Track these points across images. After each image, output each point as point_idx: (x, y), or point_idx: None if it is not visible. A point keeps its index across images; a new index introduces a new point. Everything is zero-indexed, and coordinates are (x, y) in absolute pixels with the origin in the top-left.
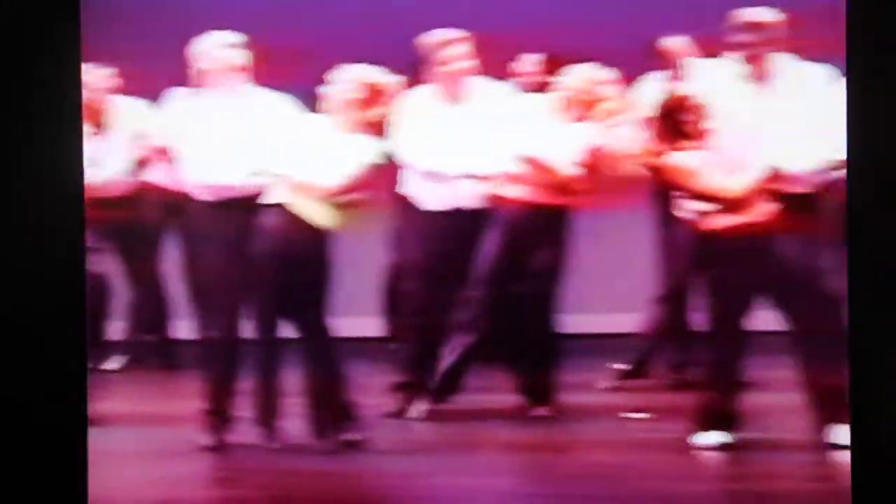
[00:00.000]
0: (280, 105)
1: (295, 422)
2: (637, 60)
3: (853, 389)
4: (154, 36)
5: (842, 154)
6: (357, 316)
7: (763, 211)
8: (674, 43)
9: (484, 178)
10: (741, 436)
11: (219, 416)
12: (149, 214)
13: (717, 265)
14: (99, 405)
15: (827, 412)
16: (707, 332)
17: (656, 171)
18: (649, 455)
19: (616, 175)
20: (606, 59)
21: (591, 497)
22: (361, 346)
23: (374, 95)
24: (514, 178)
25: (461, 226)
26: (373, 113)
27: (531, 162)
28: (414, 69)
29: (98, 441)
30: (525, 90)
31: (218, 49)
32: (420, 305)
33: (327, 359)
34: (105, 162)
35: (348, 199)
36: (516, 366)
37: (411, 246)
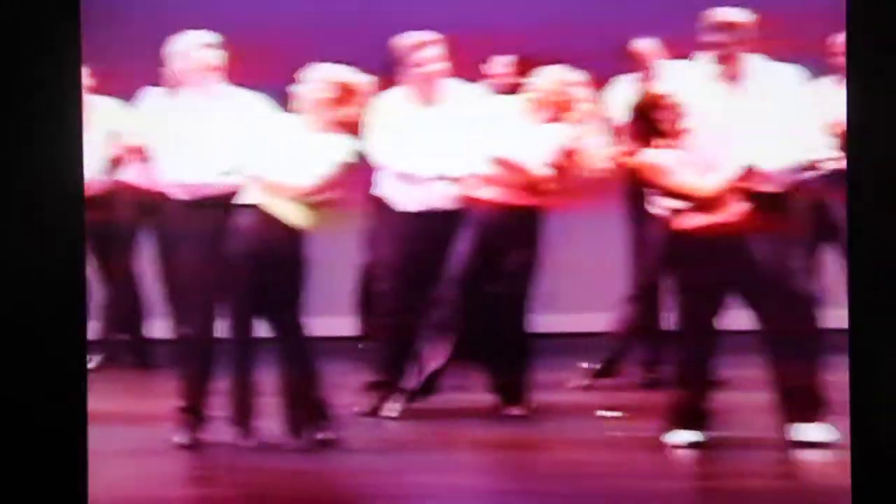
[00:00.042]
0: (254, 105)
1: (270, 420)
2: (608, 62)
3: (853, 389)
4: (130, 36)
5: (813, 154)
6: (331, 315)
7: (734, 211)
8: (645, 45)
9: (457, 180)
10: (712, 434)
11: (194, 415)
12: (123, 214)
13: (688, 264)
14: None
15: (794, 411)
16: (678, 331)
17: (629, 170)
18: (621, 453)
19: (587, 175)
20: (578, 61)
21: (564, 495)
22: (336, 346)
23: (346, 94)
24: (486, 180)
25: (435, 226)
26: (344, 112)
27: (503, 163)
28: (387, 70)
29: None
30: (497, 92)
31: (193, 49)
32: (394, 305)
33: (302, 358)
34: None
35: (321, 198)
36: (489, 365)
37: (385, 246)
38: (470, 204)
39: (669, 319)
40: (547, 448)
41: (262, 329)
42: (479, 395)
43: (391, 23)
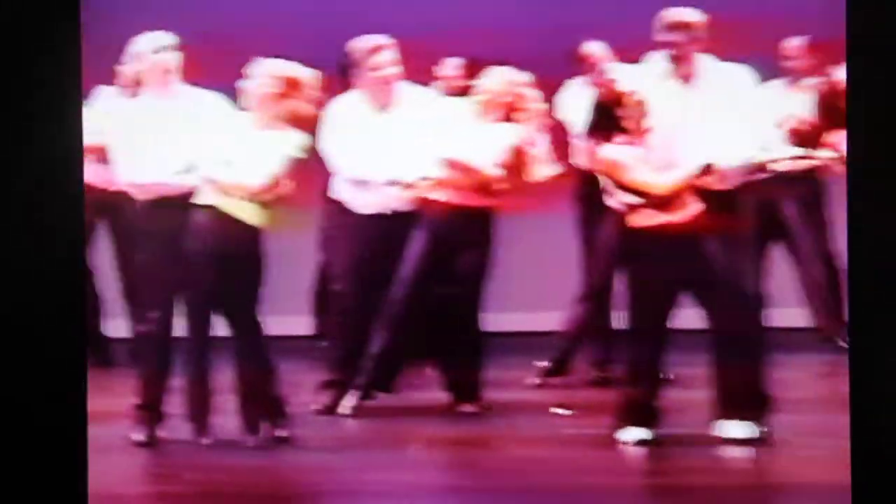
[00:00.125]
0: (211, 104)
1: (227, 418)
2: (560, 65)
3: (853, 389)
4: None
5: (764, 154)
6: (288, 314)
7: (687, 210)
8: (595, 48)
9: (410, 185)
10: (661, 431)
11: (151, 412)
12: None
13: (640, 262)
14: None
15: (725, 408)
16: (629, 329)
17: (582, 170)
18: (573, 450)
19: (537, 175)
20: (529, 64)
21: (516, 491)
22: (292, 344)
23: (290, 88)
24: (439, 182)
25: (389, 228)
26: (290, 106)
27: (454, 164)
28: (341, 73)
29: None
30: (447, 94)
31: (150, 49)
32: (349, 305)
33: (259, 355)
34: None
35: (274, 195)
36: (443, 363)
37: (340, 247)
38: (423, 205)
39: (620, 319)
40: (500, 445)
41: (219, 327)
42: (433, 392)
43: (342, 25)
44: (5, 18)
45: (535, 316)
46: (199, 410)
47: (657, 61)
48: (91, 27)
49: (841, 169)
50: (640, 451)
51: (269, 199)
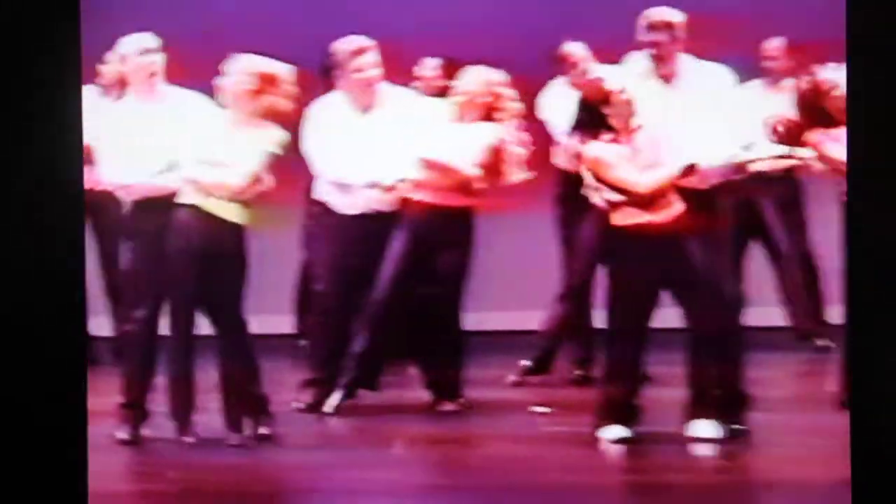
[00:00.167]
0: (194, 104)
1: (210, 416)
2: (540, 64)
3: (853, 389)
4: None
5: (744, 154)
6: (271, 313)
7: (670, 209)
8: (575, 48)
9: (391, 187)
10: (641, 429)
11: (135, 411)
12: None
13: (621, 261)
14: None
15: (701, 407)
16: (609, 327)
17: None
18: (553, 448)
19: (516, 174)
20: (508, 64)
21: (497, 489)
22: (275, 343)
23: (266, 84)
24: (418, 183)
25: (370, 228)
26: (266, 101)
27: (433, 165)
28: (325, 74)
29: None
30: (426, 94)
31: (135, 52)
32: (330, 305)
33: (242, 354)
34: None
35: (256, 192)
36: (424, 362)
37: (322, 247)
38: (404, 206)
39: (600, 317)
40: (480, 443)
41: (202, 325)
42: (414, 391)
43: (323, 25)
44: (5, 18)
45: (516, 315)
46: (183, 409)
47: (638, 61)
48: (91, 27)
49: (819, 168)
50: (620, 449)
51: (251, 198)
